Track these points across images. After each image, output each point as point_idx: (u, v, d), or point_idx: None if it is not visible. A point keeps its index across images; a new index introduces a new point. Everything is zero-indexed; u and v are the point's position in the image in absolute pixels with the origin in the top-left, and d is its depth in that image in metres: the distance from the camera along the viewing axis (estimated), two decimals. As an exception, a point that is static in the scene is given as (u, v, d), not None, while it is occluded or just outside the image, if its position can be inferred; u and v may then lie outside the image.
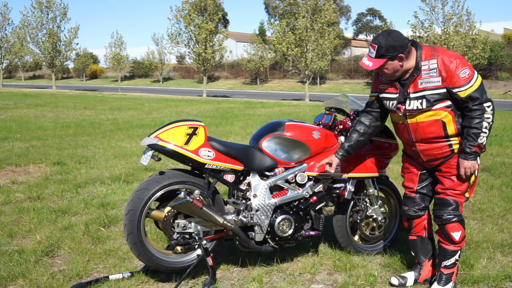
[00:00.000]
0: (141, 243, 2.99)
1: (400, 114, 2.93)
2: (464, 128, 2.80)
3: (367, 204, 3.61)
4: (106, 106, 18.67)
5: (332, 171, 3.20)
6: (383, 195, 3.76)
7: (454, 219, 2.91)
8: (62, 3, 36.75)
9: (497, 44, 33.75)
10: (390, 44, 2.74)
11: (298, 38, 25.73)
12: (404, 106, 2.89)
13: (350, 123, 3.50)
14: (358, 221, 3.57)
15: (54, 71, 38.55)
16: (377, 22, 62.51)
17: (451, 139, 2.86)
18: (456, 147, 2.88)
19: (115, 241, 3.85)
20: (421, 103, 2.81)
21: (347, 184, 3.41)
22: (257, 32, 50.78)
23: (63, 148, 8.26)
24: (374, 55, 2.79)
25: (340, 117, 3.71)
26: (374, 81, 3.12)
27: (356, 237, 3.69)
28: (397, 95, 2.92)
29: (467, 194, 2.94)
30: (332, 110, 3.72)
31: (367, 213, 3.60)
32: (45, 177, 6.00)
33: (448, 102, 2.79)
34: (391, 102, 2.96)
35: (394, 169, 6.47)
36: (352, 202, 3.57)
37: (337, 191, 3.42)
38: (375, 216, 3.62)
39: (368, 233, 3.66)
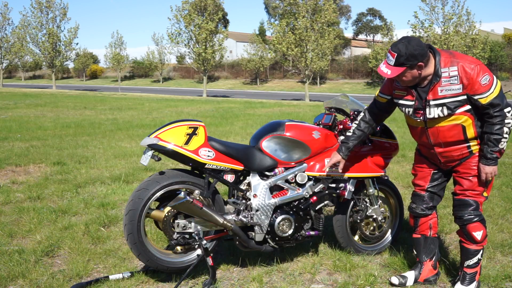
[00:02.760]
0: (141, 243, 2.99)
1: (419, 120, 2.92)
2: (485, 134, 2.79)
3: (367, 204, 3.61)
4: (106, 106, 18.67)
5: (340, 170, 3.26)
6: (383, 195, 3.76)
7: (475, 219, 2.91)
8: (62, 3, 36.79)
9: (497, 44, 33.79)
10: (411, 53, 2.69)
11: (298, 38, 25.73)
12: (424, 113, 2.86)
13: (350, 123, 3.50)
14: (358, 221, 3.57)
15: (54, 71, 38.55)
16: (377, 22, 62.50)
17: (470, 142, 2.87)
18: (474, 148, 2.88)
19: (115, 241, 3.85)
20: (442, 111, 2.80)
21: (347, 184, 3.41)
22: (257, 32, 50.80)
23: (63, 148, 8.26)
24: (393, 63, 2.74)
25: (340, 117, 3.71)
26: (387, 84, 3.07)
27: (356, 237, 3.69)
28: (414, 102, 2.90)
29: (485, 194, 2.95)
30: (332, 110, 3.72)
31: (367, 213, 3.61)
32: (45, 177, 6.00)
33: (468, 107, 2.78)
34: (407, 109, 2.95)
35: (394, 169, 6.47)
36: (352, 202, 3.56)
37: (337, 191, 3.42)
38: (375, 216, 3.62)
39: (368, 233, 3.66)
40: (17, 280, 3.12)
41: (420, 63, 2.73)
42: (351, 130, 3.25)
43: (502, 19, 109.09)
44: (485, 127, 2.79)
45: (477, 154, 2.88)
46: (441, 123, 2.85)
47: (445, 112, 2.79)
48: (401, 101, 2.98)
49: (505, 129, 2.75)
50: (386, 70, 2.78)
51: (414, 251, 3.27)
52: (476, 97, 2.72)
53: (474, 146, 2.88)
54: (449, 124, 2.83)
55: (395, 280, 3.12)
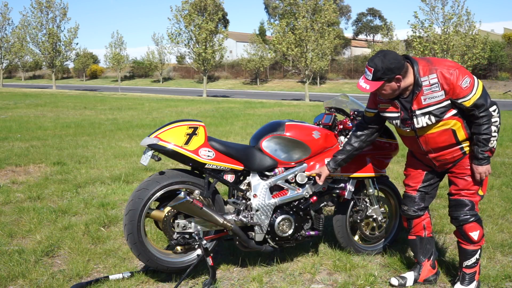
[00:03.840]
0: (141, 243, 2.99)
1: (409, 130, 2.93)
2: (474, 134, 2.80)
3: (367, 204, 3.61)
4: (106, 106, 18.67)
5: (320, 183, 3.25)
6: (383, 195, 3.76)
7: (471, 219, 2.91)
8: (62, 3, 36.81)
9: (497, 44, 33.78)
10: (387, 67, 2.71)
11: (298, 38, 25.73)
12: (412, 123, 2.87)
13: (350, 123, 3.50)
14: (358, 221, 3.57)
15: (54, 71, 38.56)
16: (377, 22, 62.53)
17: (462, 144, 2.88)
18: (467, 149, 2.89)
19: (115, 241, 3.85)
20: (430, 119, 2.81)
21: (347, 184, 3.41)
22: (257, 32, 50.82)
23: (63, 148, 8.26)
24: (371, 78, 2.77)
25: (340, 117, 3.71)
26: (372, 98, 3.08)
27: (356, 237, 3.69)
28: (399, 113, 2.91)
29: (480, 192, 2.95)
30: (332, 110, 3.72)
31: (367, 213, 3.60)
32: (45, 177, 6.00)
33: (454, 111, 2.79)
34: (395, 121, 2.96)
35: (394, 169, 6.47)
36: (352, 202, 3.56)
37: (337, 191, 3.42)
38: (375, 216, 3.62)
39: (368, 233, 3.66)
40: (17, 280, 3.12)
41: (397, 76, 2.75)
42: (342, 145, 3.25)
43: (502, 19, 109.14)
44: (473, 128, 2.79)
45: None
46: (431, 130, 2.86)
47: (433, 119, 2.80)
48: (386, 114, 2.99)
49: (493, 128, 2.75)
50: (365, 85, 2.79)
51: (412, 252, 3.27)
52: (459, 101, 2.74)
53: (467, 147, 2.89)
54: (439, 130, 2.84)
55: (394, 281, 3.12)
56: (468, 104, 2.73)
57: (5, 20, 40.26)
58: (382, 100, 2.99)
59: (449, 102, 2.76)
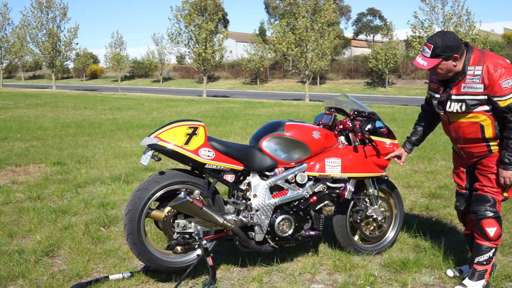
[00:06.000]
0: (141, 243, 2.99)
1: (442, 113, 3.03)
2: (504, 138, 2.84)
3: (367, 204, 3.61)
4: (106, 106, 18.67)
5: (402, 163, 3.44)
6: (383, 195, 3.76)
7: (490, 215, 2.93)
8: (62, 3, 36.87)
9: (497, 44, 33.78)
10: (446, 44, 2.81)
11: (298, 38, 25.75)
12: (445, 106, 2.97)
13: (350, 123, 3.50)
14: (358, 221, 3.57)
15: (54, 71, 38.59)
16: (377, 22, 62.54)
17: (489, 141, 2.92)
18: (494, 148, 2.93)
19: (115, 241, 3.85)
20: (461, 107, 2.89)
21: (347, 184, 3.41)
22: (257, 32, 50.84)
23: (63, 148, 8.27)
24: (429, 55, 2.86)
25: (340, 117, 3.71)
26: (429, 79, 3.21)
27: (356, 237, 3.69)
28: (440, 95, 3.00)
29: (505, 194, 2.97)
30: (332, 110, 3.72)
31: (367, 213, 3.61)
32: (45, 177, 6.00)
33: (487, 107, 2.84)
34: (434, 101, 3.07)
35: (394, 169, 6.47)
36: (352, 202, 3.56)
37: (337, 191, 3.42)
38: (375, 216, 3.63)
39: (368, 233, 3.66)
40: (17, 280, 3.12)
41: (455, 55, 2.83)
42: (414, 127, 3.44)
43: (502, 19, 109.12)
44: (505, 132, 2.83)
45: (497, 154, 2.92)
46: (461, 119, 2.94)
47: (463, 108, 2.88)
48: (432, 93, 3.11)
49: None
50: (422, 62, 2.89)
51: (467, 246, 3.34)
52: (495, 99, 2.78)
53: (494, 146, 2.92)
54: (468, 121, 2.92)
55: (450, 272, 3.21)
56: (502, 104, 2.77)
57: (5, 20, 40.28)
58: (433, 80, 3.10)
59: (485, 97, 2.81)
